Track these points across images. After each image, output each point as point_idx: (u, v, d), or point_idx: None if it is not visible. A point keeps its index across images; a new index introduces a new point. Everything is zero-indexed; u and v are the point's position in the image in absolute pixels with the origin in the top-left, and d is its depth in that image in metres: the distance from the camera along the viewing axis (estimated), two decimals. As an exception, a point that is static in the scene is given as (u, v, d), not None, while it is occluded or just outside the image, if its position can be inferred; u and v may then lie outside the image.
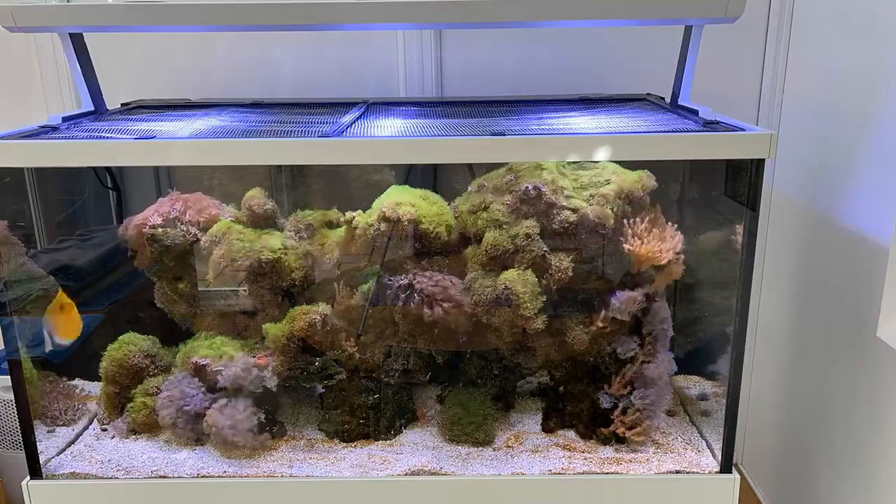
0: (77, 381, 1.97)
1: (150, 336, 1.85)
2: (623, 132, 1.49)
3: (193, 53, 2.12)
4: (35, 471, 1.66)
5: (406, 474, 1.64)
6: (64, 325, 1.71)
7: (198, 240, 1.78)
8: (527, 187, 1.64)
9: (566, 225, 1.65)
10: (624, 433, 1.69)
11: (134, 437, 1.77)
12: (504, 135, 1.44)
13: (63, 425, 1.83)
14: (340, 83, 2.12)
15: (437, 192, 1.79)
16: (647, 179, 1.69)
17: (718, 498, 1.64)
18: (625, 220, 1.66)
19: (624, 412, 1.70)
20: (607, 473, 1.63)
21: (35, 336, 1.78)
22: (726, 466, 1.63)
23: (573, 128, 1.59)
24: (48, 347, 1.68)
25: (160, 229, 1.76)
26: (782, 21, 2.02)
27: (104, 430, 1.81)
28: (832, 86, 1.81)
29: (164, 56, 2.13)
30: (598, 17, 1.57)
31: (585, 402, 1.76)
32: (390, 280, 1.70)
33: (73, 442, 1.78)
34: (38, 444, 1.66)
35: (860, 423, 1.70)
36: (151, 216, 1.77)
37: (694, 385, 1.98)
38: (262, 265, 1.74)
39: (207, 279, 1.79)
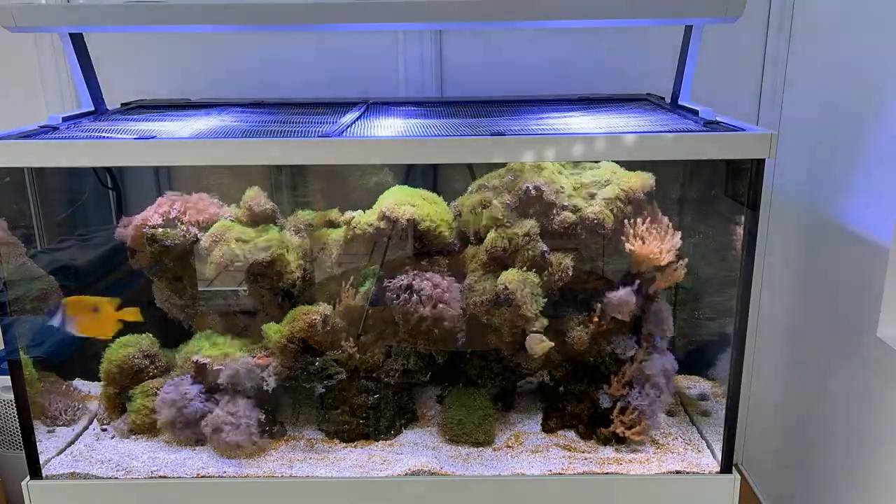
0: (77, 381, 1.97)
1: (150, 336, 1.85)
2: (623, 132, 1.49)
3: (193, 53, 2.12)
4: (35, 471, 1.66)
5: (406, 474, 1.64)
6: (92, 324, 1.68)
7: (198, 240, 1.77)
8: (527, 187, 1.64)
9: (566, 225, 1.65)
10: (624, 433, 1.69)
11: (134, 437, 1.77)
12: (504, 135, 1.44)
13: (63, 425, 1.83)
14: (340, 83, 2.12)
15: (437, 192, 1.79)
16: (646, 180, 1.69)
17: (718, 498, 1.64)
18: (625, 220, 1.66)
19: (623, 411, 1.70)
20: (607, 473, 1.63)
21: (35, 336, 1.78)
22: (726, 466, 1.63)
23: (573, 128, 1.59)
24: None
25: (160, 229, 1.76)
26: (782, 21, 2.02)
27: (104, 430, 1.81)
28: (832, 85, 1.81)
29: (165, 56, 2.12)
30: (599, 17, 1.57)
31: (585, 402, 1.76)
32: (390, 280, 1.70)
33: (73, 442, 1.78)
34: (38, 444, 1.66)
35: (860, 423, 1.69)
36: (151, 216, 1.77)
37: (694, 385, 1.98)
38: (261, 265, 1.74)
39: (207, 279, 1.79)
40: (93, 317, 1.64)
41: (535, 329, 1.64)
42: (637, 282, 1.67)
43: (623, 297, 1.65)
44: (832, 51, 1.82)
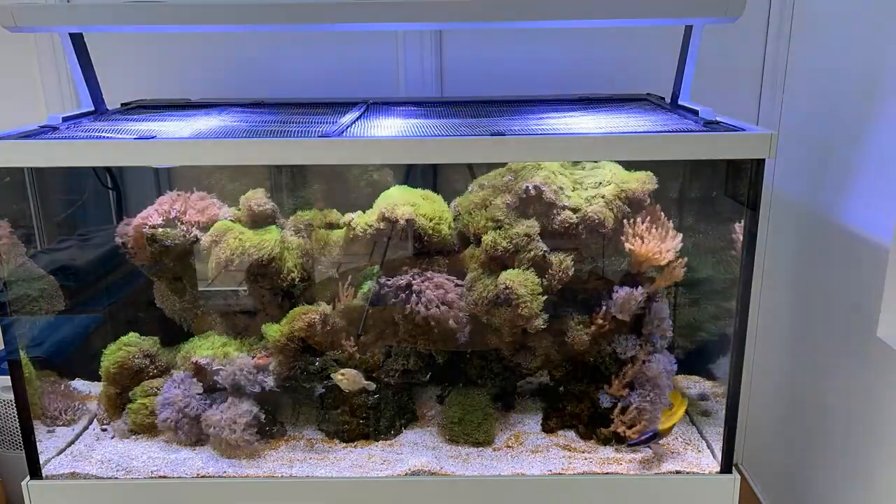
0: (77, 381, 1.97)
1: (150, 336, 1.85)
2: (623, 132, 1.49)
3: (193, 53, 2.12)
4: (35, 471, 1.66)
5: (406, 474, 1.64)
6: None
7: (198, 240, 1.78)
8: (527, 187, 1.64)
9: (566, 225, 1.65)
10: (624, 432, 1.69)
11: (134, 437, 1.77)
12: (504, 135, 1.44)
13: (63, 425, 1.83)
14: (340, 83, 2.12)
15: (437, 192, 1.79)
16: (647, 180, 1.69)
17: (718, 498, 1.64)
18: (625, 220, 1.66)
19: (623, 411, 1.70)
20: (607, 473, 1.63)
21: (35, 336, 1.78)
22: (726, 466, 1.63)
23: (573, 128, 1.59)
24: None
25: (160, 229, 1.76)
26: (782, 21, 2.02)
27: (104, 430, 1.81)
28: (832, 86, 1.81)
29: (165, 56, 2.13)
30: (599, 17, 1.57)
31: (585, 402, 1.76)
32: (389, 281, 1.70)
33: (73, 442, 1.78)
34: (38, 444, 1.66)
35: (860, 423, 1.70)
36: (151, 216, 1.77)
37: (694, 385, 1.98)
38: (261, 265, 1.74)
39: (207, 279, 1.79)
40: None
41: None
42: (639, 283, 1.67)
43: (628, 297, 1.65)
44: (832, 51, 1.82)
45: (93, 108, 1.81)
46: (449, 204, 1.79)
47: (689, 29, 1.68)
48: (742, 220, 1.51)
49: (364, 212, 1.75)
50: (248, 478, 1.65)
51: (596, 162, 1.76)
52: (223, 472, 1.66)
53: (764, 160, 1.43)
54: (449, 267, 1.74)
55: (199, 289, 1.85)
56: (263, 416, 1.73)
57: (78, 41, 1.73)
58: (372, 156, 1.50)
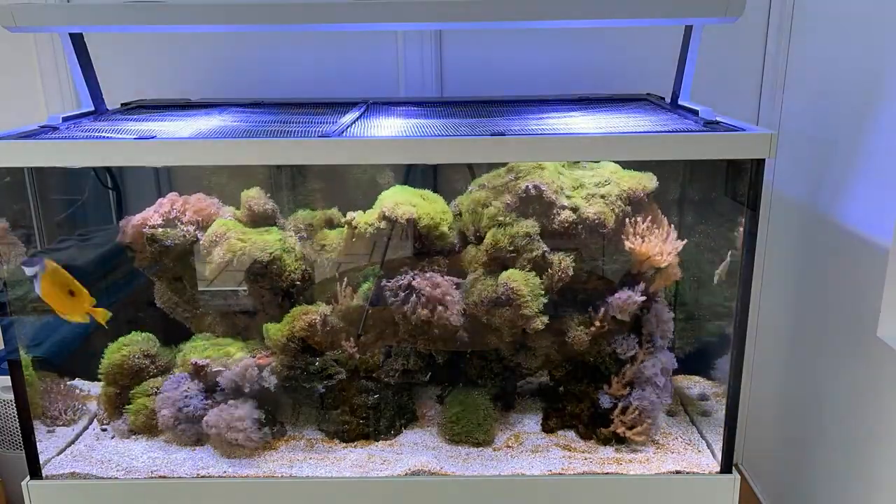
0: (77, 381, 1.97)
1: (150, 336, 1.85)
2: (623, 132, 1.49)
3: (193, 53, 2.12)
4: (35, 471, 1.66)
5: (406, 474, 1.64)
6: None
7: (198, 240, 1.78)
8: (527, 187, 1.64)
9: (566, 225, 1.65)
10: (624, 433, 1.69)
11: (134, 437, 1.77)
12: (504, 135, 1.44)
13: (63, 425, 1.83)
14: (340, 83, 2.12)
15: (437, 192, 1.79)
16: (647, 180, 1.69)
17: (718, 498, 1.64)
18: (626, 220, 1.67)
19: (623, 411, 1.70)
20: (607, 473, 1.63)
21: (35, 336, 1.78)
22: (726, 466, 1.63)
23: (573, 128, 1.59)
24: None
25: (160, 229, 1.76)
26: (782, 21, 2.02)
27: (104, 430, 1.81)
28: (832, 85, 1.81)
29: (164, 56, 2.13)
30: (598, 17, 1.57)
31: (585, 402, 1.76)
32: (389, 281, 1.70)
33: (73, 442, 1.78)
34: (38, 444, 1.66)
35: (860, 423, 1.69)
36: (151, 216, 1.77)
37: (694, 385, 1.98)
38: (260, 265, 1.74)
39: (207, 279, 1.79)
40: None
41: None
42: (639, 283, 1.67)
43: (627, 298, 1.65)
44: (832, 50, 1.82)
45: (93, 108, 1.81)
46: (449, 204, 1.79)
47: (689, 29, 1.68)
48: (742, 220, 1.51)
49: (364, 212, 1.75)
50: (248, 478, 1.65)
51: (596, 162, 1.76)
52: (223, 472, 1.66)
53: (764, 160, 1.43)
54: (449, 267, 1.74)
55: (200, 289, 1.85)
56: (263, 416, 1.73)
57: (78, 41, 1.73)
58: (372, 156, 1.50)
